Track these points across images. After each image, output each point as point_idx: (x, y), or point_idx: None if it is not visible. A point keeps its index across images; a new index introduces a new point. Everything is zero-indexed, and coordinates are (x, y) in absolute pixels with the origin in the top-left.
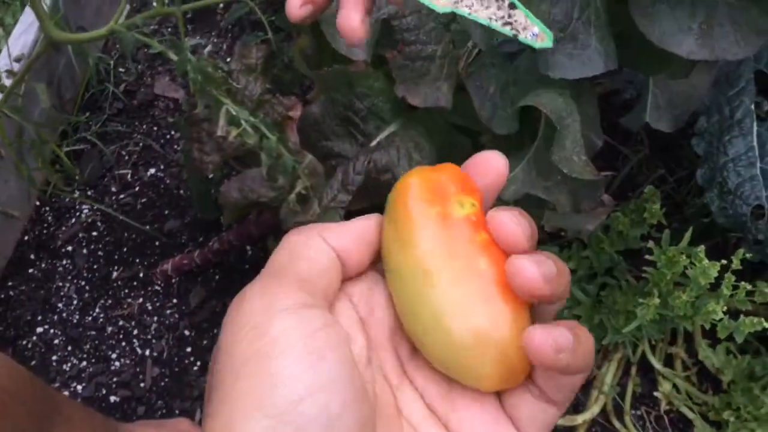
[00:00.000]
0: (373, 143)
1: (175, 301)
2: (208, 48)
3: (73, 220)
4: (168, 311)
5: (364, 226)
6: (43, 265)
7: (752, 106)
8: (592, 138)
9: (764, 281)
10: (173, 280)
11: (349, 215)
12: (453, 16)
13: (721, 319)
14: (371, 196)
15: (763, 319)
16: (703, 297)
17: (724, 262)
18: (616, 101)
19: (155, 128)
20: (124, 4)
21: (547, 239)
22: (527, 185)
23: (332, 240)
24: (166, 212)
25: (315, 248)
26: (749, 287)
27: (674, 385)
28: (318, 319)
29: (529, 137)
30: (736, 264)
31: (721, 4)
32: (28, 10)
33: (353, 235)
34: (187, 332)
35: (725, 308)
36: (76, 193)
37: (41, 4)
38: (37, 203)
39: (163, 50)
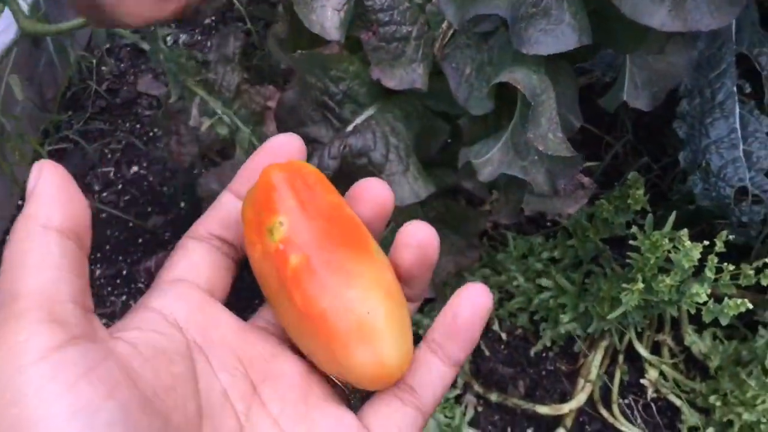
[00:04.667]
0: (349, 128)
1: None
2: (185, 39)
3: None
4: None
5: None
6: None
7: (734, 88)
8: (569, 118)
9: (749, 264)
10: None
11: None
12: None
13: (705, 303)
14: (347, 182)
15: (747, 301)
16: (687, 281)
17: (707, 243)
18: (596, 86)
19: (138, 126)
20: None
21: (532, 229)
22: (504, 165)
23: (57, 218)
24: (149, 209)
25: (38, 246)
26: (733, 270)
27: (661, 373)
28: (83, 360)
29: (507, 118)
30: (719, 246)
31: None
32: (7, 11)
33: None
34: None
35: (709, 292)
36: None
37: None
38: (20, 202)
39: (136, 41)
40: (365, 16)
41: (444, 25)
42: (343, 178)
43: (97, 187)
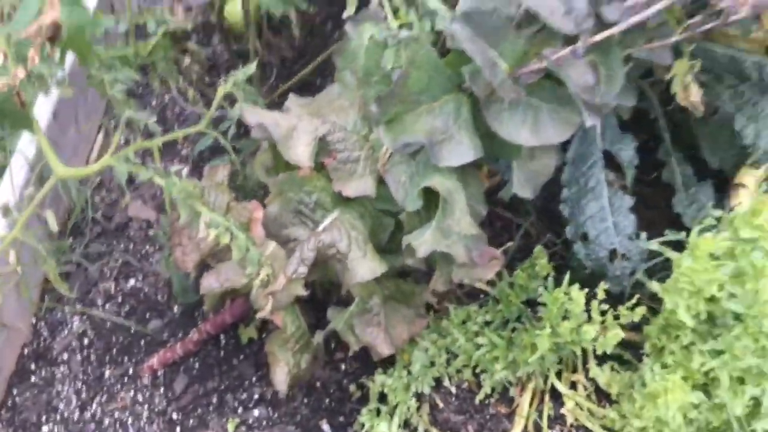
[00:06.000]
0: (320, 227)
1: (162, 390)
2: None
3: (66, 331)
4: (157, 399)
5: None
6: (43, 373)
7: (602, 176)
8: (477, 208)
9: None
10: (159, 372)
11: (307, 285)
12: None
13: (595, 339)
14: (322, 269)
15: (620, 331)
16: (582, 325)
17: (594, 292)
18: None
19: (131, 245)
20: (116, 140)
21: (470, 300)
22: (434, 244)
23: None
24: (148, 315)
25: None
26: (614, 312)
27: (577, 404)
28: None
29: (434, 211)
30: (600, 294)
31: (543, 109)
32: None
33: None
34: (175, 416)
35: (599, 330)
36: (67, 308)
37: (49, 147)
38: (33, 320)
39: (152, 177)
40: (327, 148)
41: (384, 149)
42: (318, 265)
43: (100, 301)
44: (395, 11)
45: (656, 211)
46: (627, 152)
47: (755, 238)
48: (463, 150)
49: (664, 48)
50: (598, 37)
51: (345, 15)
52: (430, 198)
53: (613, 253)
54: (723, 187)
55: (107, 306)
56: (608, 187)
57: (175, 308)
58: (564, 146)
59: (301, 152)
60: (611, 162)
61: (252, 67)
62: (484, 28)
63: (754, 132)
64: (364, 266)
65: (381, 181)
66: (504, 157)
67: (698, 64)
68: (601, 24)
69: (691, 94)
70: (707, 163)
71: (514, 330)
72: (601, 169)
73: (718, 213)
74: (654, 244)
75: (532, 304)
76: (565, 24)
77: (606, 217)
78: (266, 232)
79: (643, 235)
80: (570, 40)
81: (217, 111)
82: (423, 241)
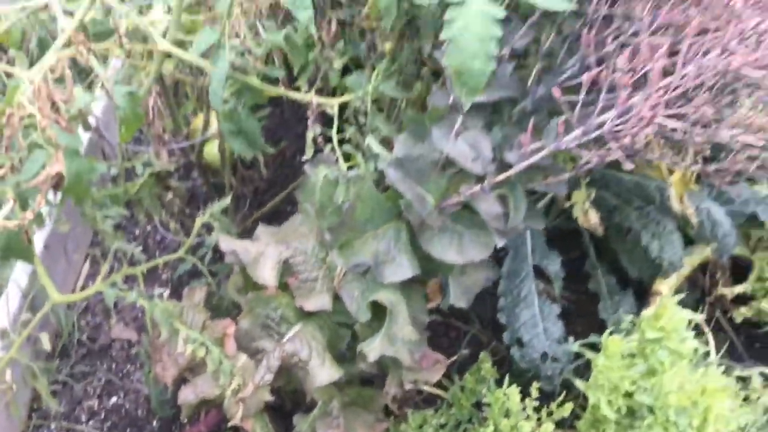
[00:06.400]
0: (285, 339)
1: None
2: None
3: None
4: None
5: None
6: None
7: (533, 287)
8: (419, 317)
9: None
10: None
11: (273, 391)
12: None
13: None
14: (286, 376)
15: (551, 424)
16: (520, 421)
17: (530, 390)
18: None
19: (114, 365)
20: (104, 269)
21: (423, 404)
22: (383, 349)
23: None
24: (128, 430)
25: None
26: (548, 409)
27: None
28: None
29: (383, 321)
30: (534, 393)
31: (465, 234)
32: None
33: None
34: None
35: (534, 427)
36: (53, 425)
37: (47, 276)
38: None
39: (136, 300)
40: (290, 269)
41: (338, 269)
42: (283, 372)
43: (84, 418)
44: (345, 156)
45: (586, 318)
46: (554, 266)
47: (660, 338)
48: (403, 269)
49: (559, 182)
50: (501, 177)
51: (303, 159)
52: (380, 310)
53: (544, 356)
54: (644, 294)
55: (91, 422)
56: (539, 297)
57: (154, 422)
58: (499, 262)
59: (267, 274)
60: (542, 275)
61: (227, 200)
62: (413, 171)
63: (658, 247)
64: (323, 372)
65: (337, 297)
66: (440, 272)
67: (594, 193)
68: (505, 165)
69: (590, 218)
70: (628, 273)
71: (465, 431)
72: (532, 281)
73: (629, 317)
74: (576, 347)
75: (481, 405)
76: (475, 167)
77: (537, 323)
78: (238, 346)
79: (571, 338)
80: (480, 179)
81: (196, 239)
82: (373, 348)
